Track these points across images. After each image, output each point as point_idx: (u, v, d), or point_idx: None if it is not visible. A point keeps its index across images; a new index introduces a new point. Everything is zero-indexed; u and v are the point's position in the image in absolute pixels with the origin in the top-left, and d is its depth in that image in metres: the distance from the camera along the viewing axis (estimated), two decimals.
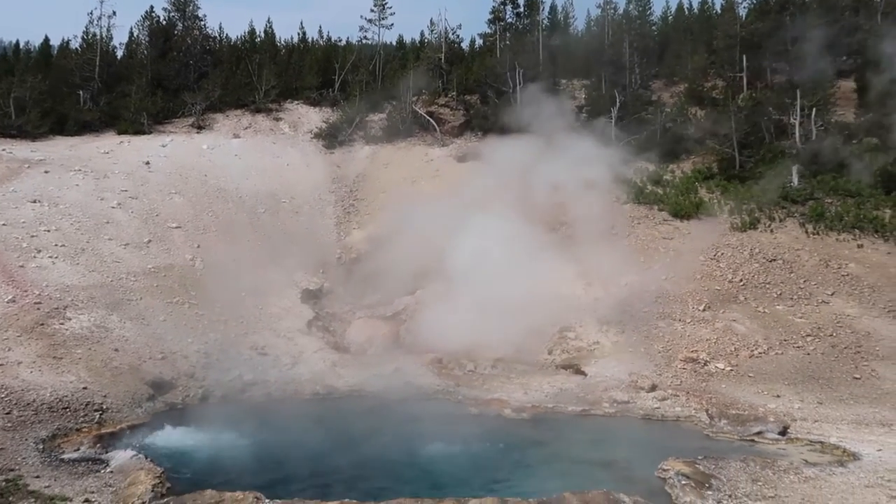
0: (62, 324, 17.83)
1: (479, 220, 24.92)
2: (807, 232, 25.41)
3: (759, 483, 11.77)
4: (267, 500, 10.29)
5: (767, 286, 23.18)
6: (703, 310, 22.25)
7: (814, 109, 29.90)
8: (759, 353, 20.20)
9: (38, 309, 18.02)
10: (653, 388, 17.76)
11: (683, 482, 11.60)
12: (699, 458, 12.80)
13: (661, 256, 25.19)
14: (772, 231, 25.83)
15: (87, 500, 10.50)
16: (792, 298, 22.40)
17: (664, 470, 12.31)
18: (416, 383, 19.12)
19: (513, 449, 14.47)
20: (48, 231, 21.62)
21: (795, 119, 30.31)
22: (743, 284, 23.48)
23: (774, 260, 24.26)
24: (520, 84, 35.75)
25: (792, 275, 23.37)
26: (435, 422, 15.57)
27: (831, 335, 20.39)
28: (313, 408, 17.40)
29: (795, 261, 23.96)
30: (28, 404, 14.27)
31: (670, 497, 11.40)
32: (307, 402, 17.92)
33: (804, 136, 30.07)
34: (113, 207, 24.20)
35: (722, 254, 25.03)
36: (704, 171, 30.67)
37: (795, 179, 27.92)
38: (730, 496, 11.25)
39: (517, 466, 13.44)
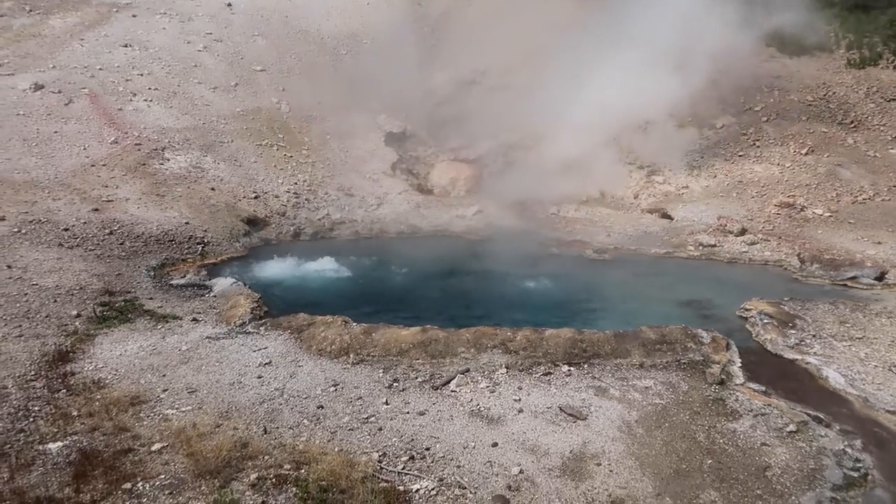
0: (161, 164, 18.74)
1: (567, 59, 23.61)
2: None
3: (847, 325, 11.48)
4: (354, 324, 10.95)
5: (882, 128, 21.36)
6: (806, 153, 20.87)
7: None
8: (864, 198, 19.02)
9: (139, 150, 18.92)
10: (742, 232, 17.20)
11: (765, 321, 11.47)
12: (785, 299, 12.55)
13: (764, 96, 23.38)
14: (895, 68, 23.28)
15: (194, 319, 11.52)
16: None
17: (746, 309, 12.18)
18: (498, 224, 19.34)
19: (592, 286, 14.63)
20: (141, 75, 22.16)
21: None
22: (854, 127, 21.71)
23: (894, 100, 22.08)
24: None
25: None
26: (515, 261, 15.82)
27: None
28: (398, 245, 18.02)
29: None
30: (138, 236, 15.39)
31: (750, 334, 11.35)
32: (392, 240, 18.57)
33: None
34: (199, 51, 24.38)
35: (833, 93, 22.99)
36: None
37: None
38: (814, 336, 11.07)
39: (595, 302, 13.62)
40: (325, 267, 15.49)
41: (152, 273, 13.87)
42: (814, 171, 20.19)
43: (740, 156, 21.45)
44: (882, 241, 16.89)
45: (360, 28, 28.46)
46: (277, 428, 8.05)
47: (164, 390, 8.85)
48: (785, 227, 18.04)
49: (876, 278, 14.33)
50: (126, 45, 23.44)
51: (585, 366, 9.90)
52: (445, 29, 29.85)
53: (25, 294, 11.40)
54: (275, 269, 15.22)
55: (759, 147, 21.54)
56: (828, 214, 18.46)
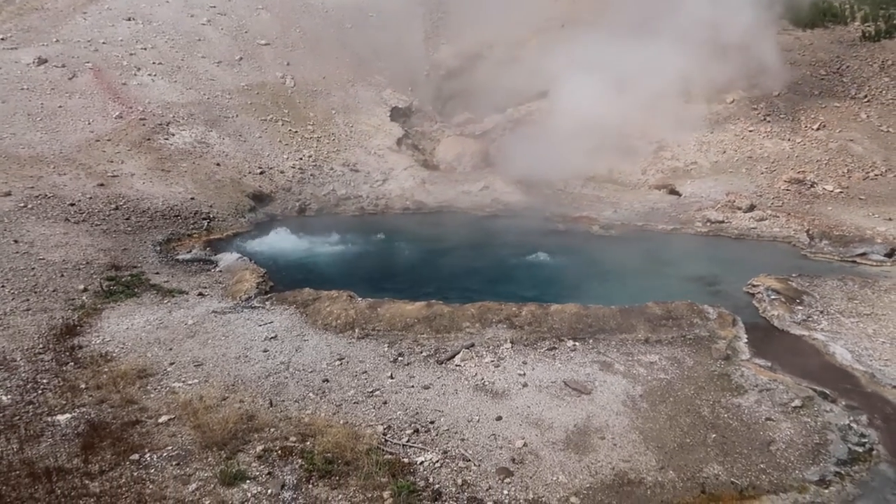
0: (166, 139, 18.69)
1: (576, 36, 23.32)
2: None
3: (856, 301, 11.40)
4: (359, 299, 10.94)
5: None
6: (817, 129, 20.60)
7: None
8: (876, 174, 18.80)
9: (144, 125, 18.86)
10: (751, 208, 17.05)
11: (773, 297, 11.40)
12: (793, 275, 12.47)
13: (776, 70, 22.97)
14: None
15: (200, 294, 11.54)
16: None
17: (753, 285, 12.12)
18: (504, 200, 19.26)
19: (598, 262, 14.57)
20: (145, 49, 22.02)
21: None
22: (867, 101, 21.39)
23: None
24: None
25: None
26: (521, 236, 15.79)
27: None
28: (404, 221, 18.00)
29: None
30: (144, 211, 15.40)
31: (757, 310, 11.29)
32: (398, 215, 18.55)
33: None
34: (203, 24, 24.19)
35: (847, 67, 22.63)
36: None
37: None
38: (821, 312, 11.01)
39: (602, 278, 13.56)
40: (330, 242, 15.50)
41: (158, 248, 13.90)
42: (825, 146, 19.95)
43: (750, 131, 21.18)
44: (893, 217, 16.69)
45: (365, 0, 28.12)
46: (283, 401, 8.09)
47: (171, 364, 8.90)
48: (794, 203, 17.88)
49: (886, 255, 14.20)
50: (129, 19, 23.30)
51: (590, 341, 9.88)
52: (452, 1, 29.46)
53: (33, 268, 11.44)
54: (280, 244, 15.21)
55: (769, 122, 21.26)
56: (838, 191, 18.27)
